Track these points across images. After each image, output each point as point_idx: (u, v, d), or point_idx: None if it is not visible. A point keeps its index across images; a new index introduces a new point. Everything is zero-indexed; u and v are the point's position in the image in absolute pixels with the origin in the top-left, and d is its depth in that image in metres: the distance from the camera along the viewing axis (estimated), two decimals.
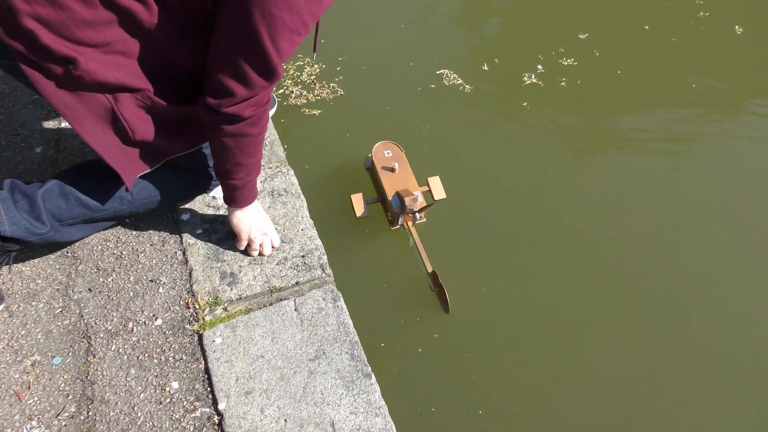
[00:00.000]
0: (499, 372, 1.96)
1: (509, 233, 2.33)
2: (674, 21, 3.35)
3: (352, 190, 2.23)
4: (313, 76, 2.79)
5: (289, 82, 2.76)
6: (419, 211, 2.14)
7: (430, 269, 2.11)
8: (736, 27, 3.34)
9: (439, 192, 2.24)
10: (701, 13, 3.39)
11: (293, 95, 2.70)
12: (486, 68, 2.93)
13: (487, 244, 2.29)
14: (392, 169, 2.23)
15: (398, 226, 2.23)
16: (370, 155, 2.31)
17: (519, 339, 2.04)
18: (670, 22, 3.34)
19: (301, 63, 2.85)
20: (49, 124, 1.94)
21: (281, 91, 2.71)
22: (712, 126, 2.86)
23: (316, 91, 2.72)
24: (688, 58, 3.16)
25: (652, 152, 2.70)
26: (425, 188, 2.24)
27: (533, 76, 2.93)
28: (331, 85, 2.76)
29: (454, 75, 2.88)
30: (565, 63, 3.01)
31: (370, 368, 1.50)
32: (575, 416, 1.90)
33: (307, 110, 2.65)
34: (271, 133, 2.00)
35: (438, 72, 2.90)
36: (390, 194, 2.17)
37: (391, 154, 2.30)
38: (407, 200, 2.07)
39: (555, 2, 3.41)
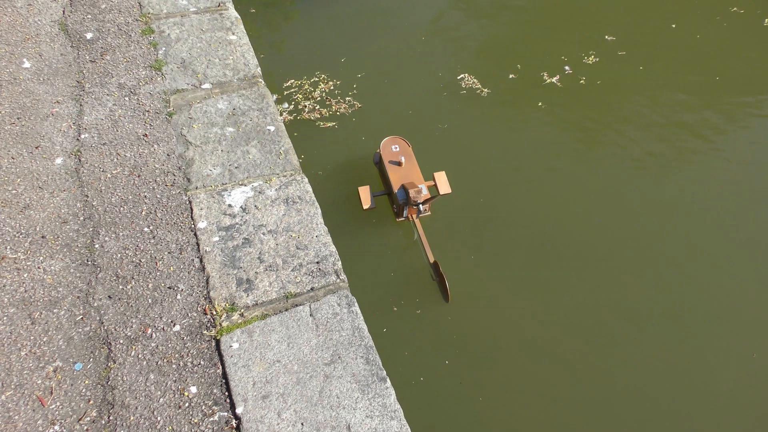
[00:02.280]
0: (492, 360, 2.00)
1: (512, 229, 2.36)
2: (701, 19, 3.37)
3: (361, 184, 2.29)
4: (326, 93, 2.83)
5: (300, 96, 2.80)
6: (423, 203, 2.19)
7: (431, 260, 2.16)
8: (766, 20, 3.32)
9: (444, 187, 2.29)
10: (734, 9, 3.39)
11: (306, 109, 2.74)
12: (512, 76, 2.96)
13: (491, 238, 2.32)
14: (399, 163, 2.30)
15: (403, 218, 2.29)
16: (378, 150, 2.38)
17: (516, 329, 2.08)
18: (697, 19, 3.36)
19: (316, 80, 2.89)
20: (69, 136, 1.99)
21: (292, 106, 2.75)
22: (740, 118, 2.85)
23: (333, 107, 2.76)
24: (711, 51, 3.16)
25: (666, 147, 2.68)
26: (431, 183, 2.30)
27: (555, 77, 2.94)
28: (347, 99, 2.80)
29: (474, 80, 2.92)
30: (589, 62, 3.03)
31: (384, 372, 1.51)
32: (577, 411, 1.89)
33: (322, 123, 2.69)
34: (285, 143, 2.03)
35: (459, 77, 2.94)
36: (396, 187, 2.23)
37: (398, 149, 2.36)
38: (412, 192, 2.13)
39: (584, 6, 3.44)
